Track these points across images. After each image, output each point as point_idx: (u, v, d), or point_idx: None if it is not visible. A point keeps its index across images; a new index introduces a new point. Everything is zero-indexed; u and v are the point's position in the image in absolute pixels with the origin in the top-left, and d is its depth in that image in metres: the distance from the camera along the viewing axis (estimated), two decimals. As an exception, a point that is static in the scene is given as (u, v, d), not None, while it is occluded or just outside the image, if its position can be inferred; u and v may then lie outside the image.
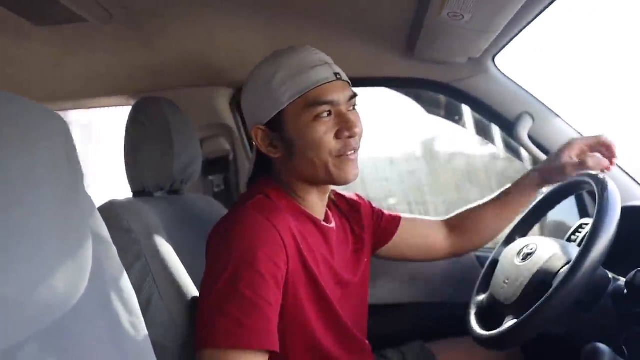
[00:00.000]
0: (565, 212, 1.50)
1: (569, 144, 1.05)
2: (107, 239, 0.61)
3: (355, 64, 1.41)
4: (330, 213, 0.99)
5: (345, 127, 0.84)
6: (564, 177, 1.04)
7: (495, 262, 1.12)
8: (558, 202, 1.11)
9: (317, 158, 0.84)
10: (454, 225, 1.16)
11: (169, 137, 1.03)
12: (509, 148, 1.53)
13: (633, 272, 0.83)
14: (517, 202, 1.11)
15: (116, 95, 1.60)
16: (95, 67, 1.43)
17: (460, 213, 1.17)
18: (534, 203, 1.12)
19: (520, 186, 1.11)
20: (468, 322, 1.05)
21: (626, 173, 1.27)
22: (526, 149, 1.36)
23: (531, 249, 1.01)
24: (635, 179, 1.28)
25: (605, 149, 1.04)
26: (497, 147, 1.54)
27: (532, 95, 1.36)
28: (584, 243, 0.85)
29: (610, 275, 0.93)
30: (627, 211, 0.97)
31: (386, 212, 1.13)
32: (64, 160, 0.51)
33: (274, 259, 0.78)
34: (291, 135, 0.85)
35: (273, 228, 0.79)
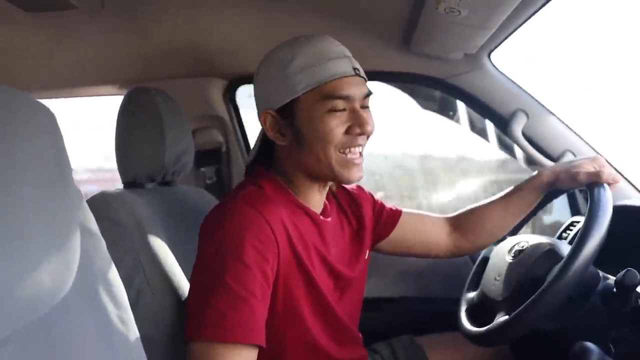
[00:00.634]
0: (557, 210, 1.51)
1: (593, 158, 1.01)
2: (95, 232, 0.60)
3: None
4: (328, 205, 0.98)
5: (358, 124, 0.83)
6: (573, 183, 1.01)
7: (485, 260, 1.12)
8: (549, 201, 1.11)
9: (323, 152, 0.83)
10: (457, 222, 1.14)
11: (160, 128, 1.02)
12: (503, 145, 1.54)
13: (623, 272, 0.83)
14: (523, 202, 1.09)
15: (108, 84, 1.58)
16: (87, 55, 1.41)
17: (465, 211, 1.15)
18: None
19: (527, 186, 1.08)
20: (458, 318, 1.06)
21: (618, 172, 1.28)
22: (520, 146, 1.35)
23: (522, 246, 1.02)
24: (628, 178, 1.28)
25: None
26: (491, 143, 1.54)
27: (527, 93, 1.36)
28: (576, 240, 0.85)
29: (601, 273, 0.93)
30: (618, 210, 0.97)
31: (388, 206, 1.11)
32: (51, 153, 0.50)
33: (262, 252, 0.77)
34: (302, 124, 0.83)
35: (263, 220, 0.78)
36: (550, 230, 1.58)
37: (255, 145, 0.93)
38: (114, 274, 0.60)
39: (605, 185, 0.95)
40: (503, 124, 1.36)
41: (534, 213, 1.13)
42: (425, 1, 0.99)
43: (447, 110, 1.59)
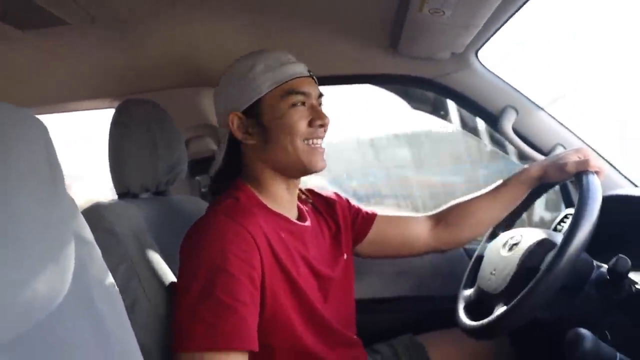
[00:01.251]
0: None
1: (577, 149, 1.05)
2: (90, 240, 0.61)
3: (340, 61, 1.42)
4: (304, 210, 1.01)
5: (317, 117, 0.91)
6: (562, 175, 1.03)
7: (480, 258, 1.13)
8: (540, 194, 1.12)
9: (290, 143, 0.89)
10: (440, 218, 1.16)
11: (152, 139, 1.03)
12: (494, 141, 1.55)
13: (614, 259, 0.85)
14: (509, 196, 1.10)
15: (100, 97, 1.59)
16: (79, 70, 1.42)
17: (448, 206, 1.16)
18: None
19: (514, 181, 1.10)
20: (457, 316, 1.06)
21: (608, 162, 1.29)
22: (510, 142, 1.37)
23: (516, 240, 1.03)
24: (618, 168, 1.30)
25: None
26: (483, 140, 1.55)
27: (516, 89, 1.38)
28: (569, 225, 0.87)
29: (594, 262, 0.94)
30: (610, 200, 0.99)
31: (364, 209, 1.13)
32: (44, 164, 0.51)
33: (247, 259, 0.79)
34: (268, 121, 0.90)
35: (244, 229, 0.80)
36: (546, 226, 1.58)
37: (218, 156, 0.96)
38: (109, 282, 0.61)
39: (593, 172, 0.97)
40: (493, 121, 1.38)
41: (525, 207, 1.14)
42: (409, 3, 1.00)
43: (438, 110, 1.60)
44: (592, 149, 1.31)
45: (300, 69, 0.93)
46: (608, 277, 0.88)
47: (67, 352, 0.50)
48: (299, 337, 0.89)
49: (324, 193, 1.11)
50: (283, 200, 0.95)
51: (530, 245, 0.97)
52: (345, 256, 1.05)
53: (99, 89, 1.55)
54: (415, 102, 1.61)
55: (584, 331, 0.70)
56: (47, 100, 1.60)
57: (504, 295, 0.95)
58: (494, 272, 1.02)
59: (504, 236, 1.08)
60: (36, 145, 0.51)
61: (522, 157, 1.43)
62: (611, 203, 0.98)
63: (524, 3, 1.09)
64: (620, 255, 0.84)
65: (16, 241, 0.44)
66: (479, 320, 0.97)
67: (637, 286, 0.87)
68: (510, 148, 1.49)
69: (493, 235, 1.14)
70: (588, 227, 0.85)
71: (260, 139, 0.91)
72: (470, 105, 1.41)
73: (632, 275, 0.89)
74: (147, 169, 1.03)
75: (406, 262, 1.44)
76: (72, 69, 1.42)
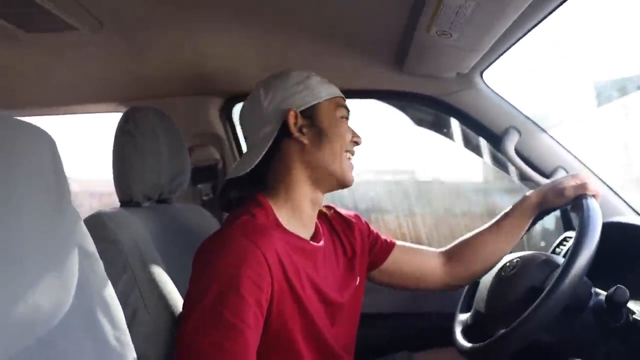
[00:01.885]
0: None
1: (574, 174, 1.06)
2: (93, 253, 0.61)
3: (346, 76, 1.43)
4: (320, 229, 1.00)
5: (355, 135, 0.98)
6: (561, 200, 1.03)
7: (476, 284, 1.13)
8: (538, 220, 1.12)
9: (339, 150, 0.94)
10: (451, 254, 1.14)
11: (157, 148, 1.04)
12: (497, 161, 1.55)
13: (613, 288, 0.85)
14: (514, 226, 1.09)
15: (106, 102, 1.60)
16: (85, 74, 1.43)
17: (458, 242, 1.15)
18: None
19: (516, 211, 1.09)
20: (454, 339, 1.06)
21: (610, 189, 1.30)
22: (512, 162, 1.37)
23: (515, 263, 1.03)
24: (619, 195, 1.30)
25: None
26: (485, 160, 1.55)
27: (519, 111, 1.38)
28: (572, 245, 0.87)
29: (593, 289, 0.94)
30: (610, 227, 0.99)
31: (382, 237, 1.12)
32: (50, 177, 0.51)
33: (257, 282, 0.79)
34: (323, 125, 0.94)
35: (258, 250, 0.80)
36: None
37: (250, 155, 0.93)
38: (111, 295, 0.61)
39: (591, 196, 0.98)
40: (496, 141, 1.38)
41: (525, 232, 1.14)
42: (417, 24, 1.01)
43: (441, 128, 1.61)
44: (593, 172, 1.32)
45: (338, 90, 0.99)
46: (605, 306, 0.88)
47: (67, 367, 0.50)
48: (301, 358, 0.88)
49: (345, 213, 1.10)
50: (303, 215, 0.94)
51: (532, 266, 0.97)
52: (357, 281, 1.03)
53: (104, 93, 1.55)
54: (419, 118, 1.62)
55: (581, 363, 0.70)
56: (52, 102, 1.61)
57: (505, 316, 0.95)
58: (493, 294, 1.02)
59: (501, 260, 1.08)
60: (43, 158, 0.51)
61: (524, 178, 1.44)
62: (611, 230, 0.98)
63: (532, 28, 1.11)
64: (619, 285, 0.84)
65: (19, 255, 0.44)
66: (476, 342, 0.97)
67: (634, 316, 0.87)
68: (511, 168, 1.49)
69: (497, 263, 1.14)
70: (591, 248, 0.85)
71: (312, 140, 0.93)
72: (474, 125, 1.42)
73: (630, 305, 0.89)
74: (151, 178, 1.03)
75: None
76: (78, 73, 1.42)
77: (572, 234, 1.24)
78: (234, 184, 0.95)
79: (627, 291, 0.83)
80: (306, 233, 0.94)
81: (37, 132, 0.51)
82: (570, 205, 1.04)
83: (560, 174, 1.34)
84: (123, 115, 1.08)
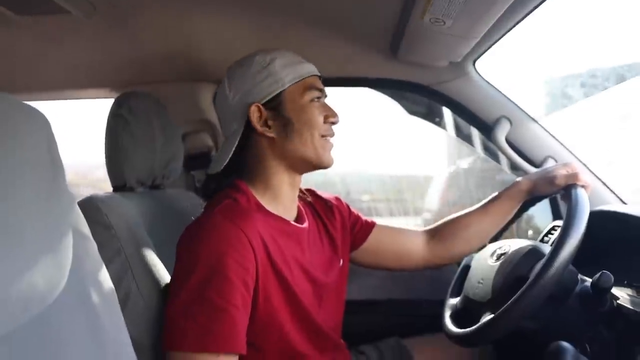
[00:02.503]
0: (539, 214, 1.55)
1: (566, 163, 1.07)
2: (87, 234, 0.62)
3: (339, 63, 1.43)
4: (303, 212, 1.01)
5: (331, 114, 0.94)
6: (551, 188, 1.05)
7: (467, 268, 1.14)
8: (529, 207, 1.14)
9: (310, 136, 0.91)
10: (435, 232, 1.16)
11: (150, 133, 1.03)
12: (487, 150, 1.57)
13: (598, 274, 0.87)
14: (501, 211, 1.12)
15: (99, 87, 1.59)
16: (78, 58, 1.42)
17: (442, 221, 1.17)
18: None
19: (505, 195, 1.11)
20: (443, 324, 1.08)
21: (598, 178, 1.32)
22: (503, 152, 1.39)
23: (504, 250, 1.04)
24: (606, 184, 1.32)
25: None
26: (476, 149, 1.57)
27: (511, 100, 1.39)
28: (558, 235, 0.88)
29: (579, 276, 0.96)
30: (597, 215, 1.01)
31: (363, 217, 1.14)
32: (46, 157, 0.51)
33: (242, 263, 0.79)
34: (289, 114, 0.91)
35: (241, 232, 0.81)
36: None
37: (225, 150, 0.93)
38: (104, 276, 0.62)
39: (581, 186, 0.99)
40: (487, 131, 1.40)
41: (514, 219, 1.15)
42: (411, 11, 1.02)
43: (433, 117, 1.62)
44: (582, 162, 1.34)
45: (313, 67, 0.96)
46: (591, 292, 0.90)
47: (62, 346, 0.51)
48: (290, 340, 0.90)
49: (325, 195, 1.11)
50: (284, 198, 0.94)
51: (519, 255, 0.99)
52: (341, 262, 1.05)
53: (97, 78, 1.54)
54: (412, 107, 1.63)
55: (565, 344, 0.72)
56: (44, 87, 1.59)
57: (491, 303, 0.97)
58: (481, 281, 1.04)
59: (491, 246, 1.10)
60: (38, 138, 0.51)
61: (514, 167, 1.45)
62: (597, 218, 1.00)
63: (524, 17, 1.11)
64: (604, 271, 0.86)
65: (15, 234, 0.45)
66: (465, 327, 0.99)
67: (618, 302, 0.90)
68: (502, 158, 1.51)
69: (481, 246, 1.16)
70: (576, 239, 0.87)
71: (280, 131, 0.91)
72: (466, 114, 1.43)
73: (615, 291, 0.91)
74: (145, 163, 1.03)
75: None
76: (71, 57, 1.41)
77: (560, 222, 1.26)
78: (214, 175, 0.95)
79: (612, 277, 0.85)
80: (289, 215, 0.96)
81: (31, 112, 0.51)
82: (560, 194, 1.05)
83: (549, 164, 1.35)
84: (115, 100, 1.08)
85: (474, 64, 1.37)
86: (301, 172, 0.96)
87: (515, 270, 0.97)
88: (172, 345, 0.77)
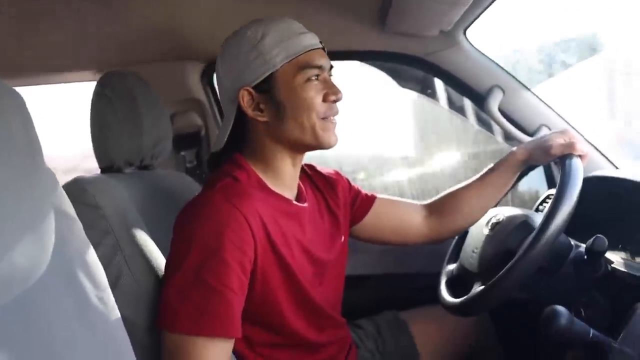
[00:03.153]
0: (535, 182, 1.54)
1: (562, 130, 1.05)
2: (71, 214, 0.60)
3: (328, 36, 1.39)
4: (304, 189, 0.99)
5: (332, 92, 0.87)
6: (547, 157, 1.03)
7: (465, 233, 1.15)
8: (524, 175, 1.13)
9: (307, 120, 0.86)
10: (434, 207, 1.14)
11: (136, 113, 1.01)
12: (480, 121, 1.55)
13: (592, 239, 0.86)
14: (499, 182, 1.10)
15: (82, 70, 1.55)
16: (59, 40, 1.37)
17: (442, 195, 1.15)
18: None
19: (502, 166, 1.09)
20: (439, 291, 1.09)
21: (591, 144, 1.31)
22: (496, 121, 1.37)
23: (499, 219, 1.04)
24: (600, 150, 1.31)
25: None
26: (469, 119, 1.55)
27: (503, 69, 1.38)
28: (546, 211, 0.88)
29: (572, 242, 0.96)
30: (591, 180, 1.00)
31: (363, 191, 1.12)
32: (21, 136, 0.49)
33: (240, 245, 0.78)
34: (282, 97, 0.86)
35: (239, 214, 0.79)
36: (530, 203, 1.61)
37: (222, 132, 0.91)
38: (91, 256, 0.60)
39: (577, 156, 0.97)
40: (480, 100, 1.38)
41: (510, 187, 1.15)
42: (398, -22, 0.99)
43: (426, 88, 1.60)
44: (576, 130, 1.33)
45: (313, 40, 0.88)
46: (585, 257, 0.90)
47: (49, 326, 0.50)
48: (289, 321, 0.89)
49: (325, 171, 1.08)
50: (286, 176, 0.92)
51: (510, 227, 0.99)
52: (342, 238, 1.04)
53: (79, 60, 1.50)
54: (404, 80, 1.60)
55: (559, 308, 0.72)
56: (22, 71, 1.55)
57: (482, 274, 0.97)
58: (475, 250, 1.04)
59: (487, 214, 1.09)
60: (12, 117, 0.49)
61: (508, 137, 1.44)
62: (591, 183, 0.99)
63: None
64: (598, 235, 0.86)
65: None
66: (459, 296, 0.99)
67: (612, 265, 0.90)
68: (496, 128, 1.50)
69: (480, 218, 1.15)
70: (566, 212, 0.86)
71: (273, 116, 0.86)
72: (458, 84, 1.41)
73: (609, 255, 0.91)
74: (132, 143, 1.01)
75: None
76: (51, 39, 1.37)
77: (554, 191, 1.26)
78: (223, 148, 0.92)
79: (606, 240, 0.85)
80: (290, 194, 0.94)
81: (4, 90, 0.49)
82: (555, 161, 1.04)
83: (543, 132, 1.34)
84: (99, 81, 1.05)
85: (464, 33, 1.34)
86: (302, 152, 0.93)
87: (506, 244, 0.97)
88: (167, 325, 0.76)
